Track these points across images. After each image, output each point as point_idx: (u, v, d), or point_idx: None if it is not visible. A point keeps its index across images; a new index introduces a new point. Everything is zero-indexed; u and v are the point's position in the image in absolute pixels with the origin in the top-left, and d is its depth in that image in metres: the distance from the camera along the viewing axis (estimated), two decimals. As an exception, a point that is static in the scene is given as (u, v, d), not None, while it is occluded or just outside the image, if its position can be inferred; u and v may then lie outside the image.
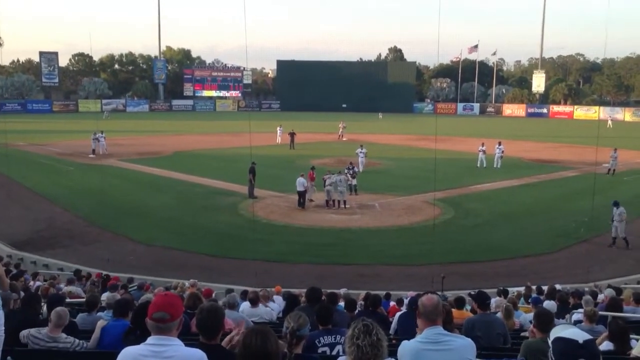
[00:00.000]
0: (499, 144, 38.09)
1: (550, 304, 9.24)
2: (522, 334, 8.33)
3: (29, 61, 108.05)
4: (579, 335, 2.61)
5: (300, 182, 25.20)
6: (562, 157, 42.66)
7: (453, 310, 8.99)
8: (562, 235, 21.89)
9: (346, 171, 27.84)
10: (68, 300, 10.28)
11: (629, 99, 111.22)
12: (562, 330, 2.78)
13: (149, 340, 3.63)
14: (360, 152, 35.29)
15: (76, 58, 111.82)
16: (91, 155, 41.00)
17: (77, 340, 6.28)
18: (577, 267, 17.94)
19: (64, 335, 6.24)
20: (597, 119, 79.74)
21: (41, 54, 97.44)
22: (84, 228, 22.94)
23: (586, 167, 35.83)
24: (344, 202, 25.73)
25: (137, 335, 4.85)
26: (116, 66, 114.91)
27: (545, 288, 13.88)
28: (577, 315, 9.42)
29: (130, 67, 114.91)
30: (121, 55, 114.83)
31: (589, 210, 20.64)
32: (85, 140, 43.72)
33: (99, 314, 8.20)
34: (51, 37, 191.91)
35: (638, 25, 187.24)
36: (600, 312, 8.78)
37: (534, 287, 14.10)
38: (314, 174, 27.26)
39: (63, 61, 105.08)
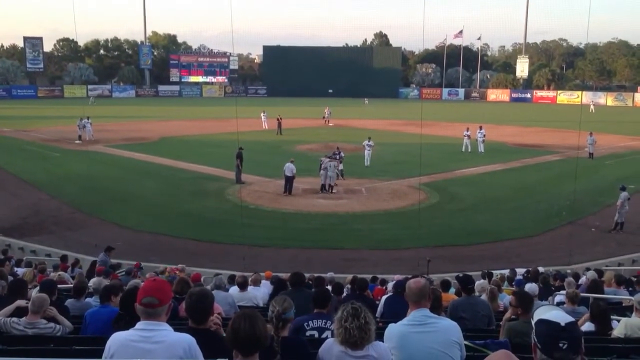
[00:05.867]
0: (480, 128, 38.18)
1: (532, 286, 9.40)
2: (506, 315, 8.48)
3: (13, 46, 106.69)
4: (561, 317, 2.64)
5: (289, 168, 25.14)
6: (546, 142, 42.93)
7: (437, 293, 9.15)
8: (545, 218, 22.10)
9: (333, 156, 27.81)
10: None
11: (611, 83, 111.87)
12: (545, 313, 2.83)
13: (138, 325, 3.65)
14: (367, 145, 33.06)
15: (61, 43, 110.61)
16: (77, 141, 40.64)
17: (57, 326, 6.26)
18: (560, 250, 18.16)
19: (43, 321, 6.21)
20: (580, 104, 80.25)
21: (25, 39, 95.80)
22: (70, 214, 22.80)
23: (569, 152, 36.09)
24: (331, 186, 25.83)
25: (127, 321, 4.87)
26: (101, 51, 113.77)
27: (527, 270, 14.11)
28: (560, 297, 9.60)
29: (116, 53, 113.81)
30: (106, 41, 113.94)
31: (572, 193, 20.87)
32: (71, 126, 43.34)
33: (87, 299, 8.23)
34: (35, 21, 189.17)
35: (620, 10, 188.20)
36: (582, 294, 8.97)
37: (519, 270, 14.30)
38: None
39: (48, 46, 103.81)
